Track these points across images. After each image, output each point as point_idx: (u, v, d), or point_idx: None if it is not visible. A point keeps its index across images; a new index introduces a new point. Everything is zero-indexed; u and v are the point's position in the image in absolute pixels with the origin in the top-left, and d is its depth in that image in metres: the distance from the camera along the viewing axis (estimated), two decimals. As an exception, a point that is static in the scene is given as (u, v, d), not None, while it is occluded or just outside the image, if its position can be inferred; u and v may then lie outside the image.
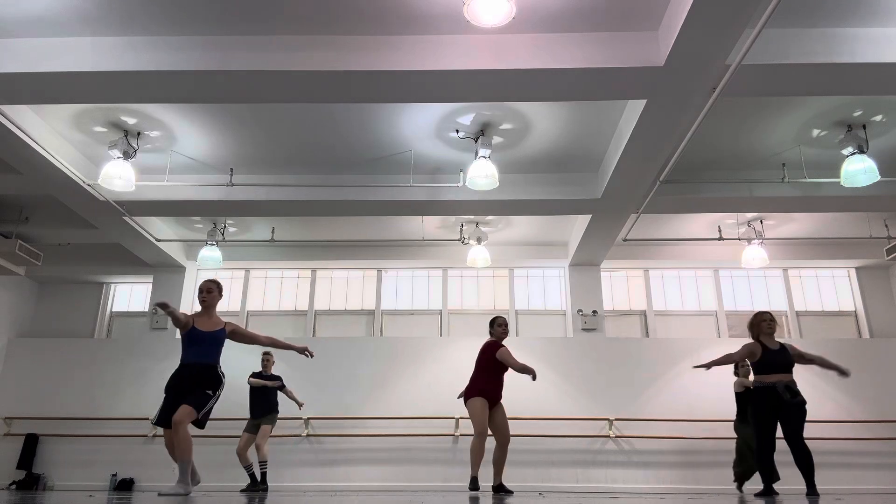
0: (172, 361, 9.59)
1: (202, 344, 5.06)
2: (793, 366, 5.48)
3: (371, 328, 10.33)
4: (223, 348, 5.18)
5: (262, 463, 7.65)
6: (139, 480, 8.96)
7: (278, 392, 7.99)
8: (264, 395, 7.82)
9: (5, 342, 9.96)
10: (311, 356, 5.45)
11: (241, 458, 7.61)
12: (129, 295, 10.90)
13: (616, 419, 9.09)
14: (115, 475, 8.91)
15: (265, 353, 8.09)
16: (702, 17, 4.59)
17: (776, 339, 5.87)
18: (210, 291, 5.22)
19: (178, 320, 5.00)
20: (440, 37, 5.37)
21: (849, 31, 5.31)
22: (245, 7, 5.09)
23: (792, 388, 5.38)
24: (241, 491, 7.53)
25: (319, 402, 9.35)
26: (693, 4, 4.47)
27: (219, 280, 5.41)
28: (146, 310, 10.22)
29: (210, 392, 4.97)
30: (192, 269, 10.53)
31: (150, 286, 10.41)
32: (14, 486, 8.88)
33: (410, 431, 9.07)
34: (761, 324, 5.58)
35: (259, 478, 7.65)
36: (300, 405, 8.20)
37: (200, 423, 4.96)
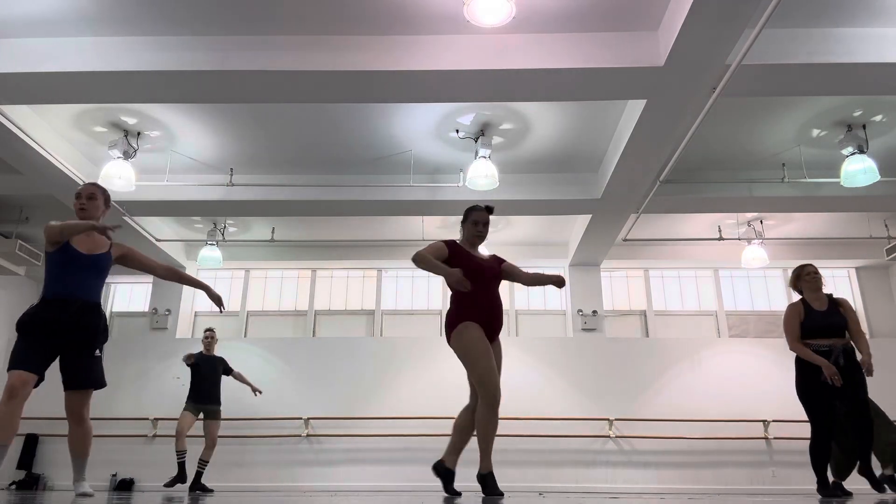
0: (173, 361, 9.59)
1: (83, 272, 3.73)
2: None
3: (371, 328, 10.33)
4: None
5: (204, 462, 7.34)
6: (139, 480, 8.96)
7: (222, 379, 7.57)
8: (206, 380, 7.44)
9: (5, 342, 9.95)
10: (222, 308, 4.16)
11: (180, 440, 7.11)
12: (129, 295, 10.90)
13: (616, 419, 9.09)
14: (115, 475, 8.91)
15: (207, 330, 7.75)
16: (702, 17, 4.59)
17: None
18: (93, 198, 3.86)
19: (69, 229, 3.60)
20: (440, 37, 5.37)
21: (849, 31, 5.31)
22: (245, 7, 5.09)
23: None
24: (165, 485, 7.26)
25: (319, 402, 9.34)
26: (693, 4, 4.47)
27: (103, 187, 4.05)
28: (146, 310, 10.22)
29: (99, 353, 3.79)
30: (193, 269, 10.53)
31: (150, 286, 10.40)
32: (14, 486, 8.88)
33: (410, 431, 9.06)
34: (805, 276, 4.99)
35: (195, 477, 7.30)
36: (256, 392, 7.75)
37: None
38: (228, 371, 7.72)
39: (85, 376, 3.73)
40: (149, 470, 9.02)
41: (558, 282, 4.12)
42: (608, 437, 9.05)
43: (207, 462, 7.40)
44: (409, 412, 9.21)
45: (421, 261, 3.93)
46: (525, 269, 4.36)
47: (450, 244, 4.15)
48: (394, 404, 9.31)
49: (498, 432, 3.98)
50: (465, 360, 3.93)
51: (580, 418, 9.11)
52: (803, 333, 4.94)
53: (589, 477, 8.87)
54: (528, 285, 4.42)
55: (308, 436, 9.18)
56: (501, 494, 3.81)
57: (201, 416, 7.47)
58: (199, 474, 7.34)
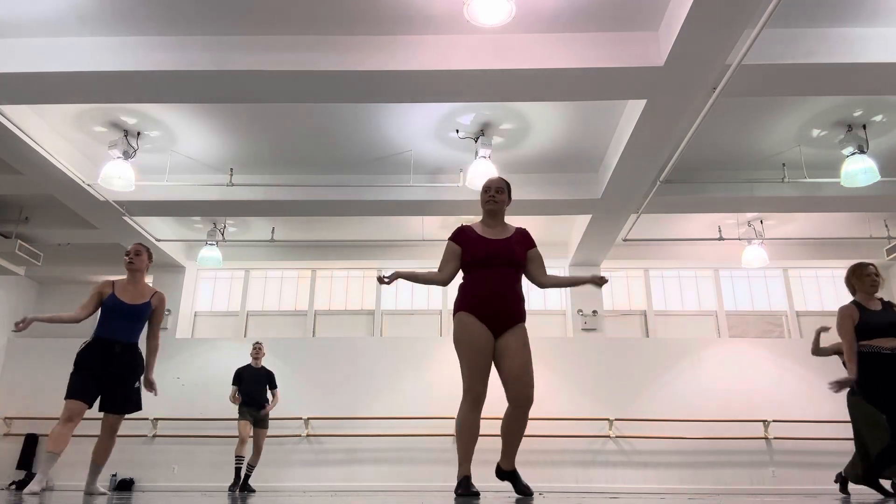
0: (172, 361, 9.60)
1: (124, 318, 4.58)
2: None
3: (371, 328, 10.33)
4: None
5: (251, 466, 7.53)
6: (139, 480, 8.96)
7: (267, 387, 7.68)
8: (250, 386, 7.50)
9: (5, 342, 9.96)
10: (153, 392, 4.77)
11: (243, 445, 7.26)
12: (129, 295, 10.90)
13: (616, 419, 9.09)
14: (114, 475, 8.91)
15: (256, 343, 7.78)
16: (702, 17, 4.59)
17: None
18: (139, 254, 4.73)
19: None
20: (440, 37, 5.37)
21: (849, 31, 5.31)
22: (245, 7, 5.09)
23: None
24: (231, 489, 7.40)
25: (319, 402, 9.35)
26: (693, 4, 4.47)
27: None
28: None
29: (138, 386, 4.64)
30: (192, 269, 10.53)
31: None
32: (14, 486, 8.88)
33: (410, 431, 9.07)
34: (864, 277, 4.62)
35: (244, 480, 7.43)
36: (268, 408, 7.68)
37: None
38: (273, 386, 7.76)
39: (122, 403, 4.55)
40: (149, 470, 9.03)
41: (599, 281, 3.63)
42: (608, 437, 9.05)
43: (254, 466, 7.58)
44: (409, 412, 9.21)
45: (415, 280, 3.70)
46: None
47: (457, 234, 3.74)
48: (394, 404, 9.31)
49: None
50: (456, 353, 3.63)
51: (580, 418, 9.11)
52: (859, 334, 4.52)
53: (589, 477, 8.87)
54: (547, 287, 3.79)
55: (308, 436, 9.18)
56: (475, 495, 3.45)
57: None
58: (247, 477, 7.51)
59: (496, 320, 3.54)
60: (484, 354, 3.51)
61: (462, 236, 3.73)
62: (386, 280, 3.59)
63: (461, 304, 3.61)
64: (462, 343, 3.52)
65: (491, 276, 3.57)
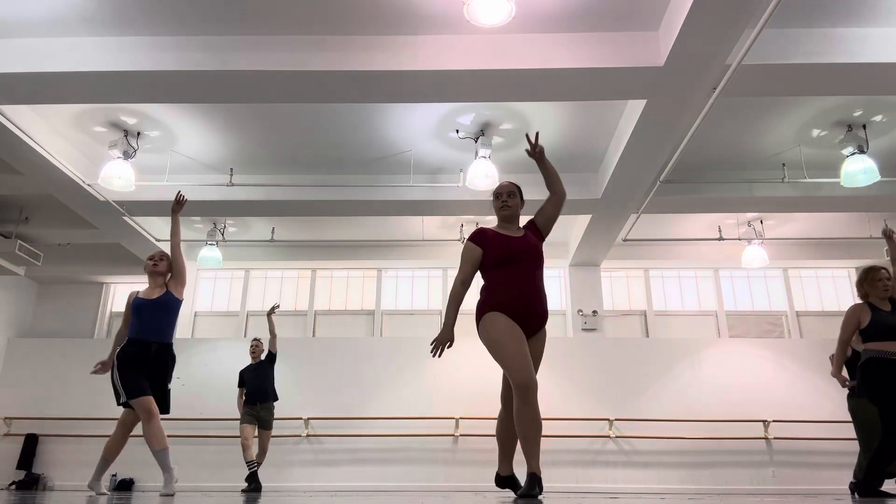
0: (172, 361, 9.58)
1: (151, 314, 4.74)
2: None
3: (371, 328, 10.33)
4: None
5: (258, 464, 7.41)
6: (139, 480, 8.96)
7: (274, 371, 7.56)
8: (252, 383, 7.39)
9: (5, 342, 9.95)
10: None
11: (249, 450, 7.15)
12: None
13: (616, 419, 9.09)
14: (115, 475, 8.90)
15: (253, 340, 7.66)
16: (702, 17, 4.59)
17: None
18: (162, 259, 4.94)
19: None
20: (440, 37, 5.37)
21: (849, 31, 5.31)
22: (245, 7, 5.09)
23: None
24: (244, 490, 7.43)
25: (319, 402, 9.34)
26: (693, 4, 4.48)
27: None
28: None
29: (170, 388, 4.84)
30: (192, 269, 10.53)
31: (150, 286, 10.40)
32: (14, 486, 8.88)
33: (410, 431, 9.07)
34: (876, 283, 4.67)
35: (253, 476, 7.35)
36: (273, 310, 7.57)
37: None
38: (273, 358, 7.55)
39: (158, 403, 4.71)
40: (149, 470, 9.02)
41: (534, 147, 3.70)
42: (608, 437, 9.05)
43: (258, 466, 7.39)
44: (409, 412, 9.21)
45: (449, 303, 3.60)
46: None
47: (477, 237, 3.66)
48: (394, 404, 9.31)
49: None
50: (492, 352, 3.42)
51: (580, 418, 9.11)
52: (871, 335, 4.60)
53: (589, 477, 8.86)
54: (550, 183, 3.76)
55: (308, 436, 9.18)
56: (535, 496, 3.24)
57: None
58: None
59: (526, 322, 3.46)
60: (524, 342, 3.38)
61: (482, 238, 3.64)
62: (439, 355, 3.49)
63: (490, 305, 3.49)
64: (501, 334, 3.36)
65: (517, 274, 3.49)
